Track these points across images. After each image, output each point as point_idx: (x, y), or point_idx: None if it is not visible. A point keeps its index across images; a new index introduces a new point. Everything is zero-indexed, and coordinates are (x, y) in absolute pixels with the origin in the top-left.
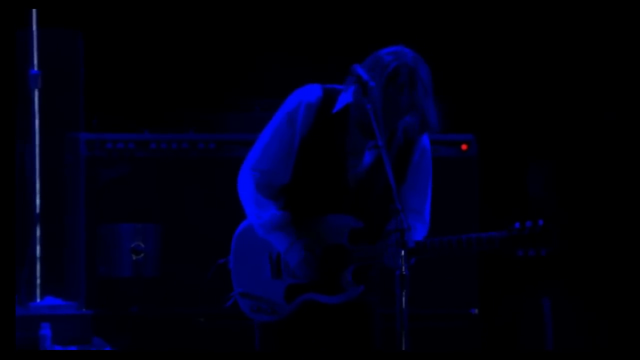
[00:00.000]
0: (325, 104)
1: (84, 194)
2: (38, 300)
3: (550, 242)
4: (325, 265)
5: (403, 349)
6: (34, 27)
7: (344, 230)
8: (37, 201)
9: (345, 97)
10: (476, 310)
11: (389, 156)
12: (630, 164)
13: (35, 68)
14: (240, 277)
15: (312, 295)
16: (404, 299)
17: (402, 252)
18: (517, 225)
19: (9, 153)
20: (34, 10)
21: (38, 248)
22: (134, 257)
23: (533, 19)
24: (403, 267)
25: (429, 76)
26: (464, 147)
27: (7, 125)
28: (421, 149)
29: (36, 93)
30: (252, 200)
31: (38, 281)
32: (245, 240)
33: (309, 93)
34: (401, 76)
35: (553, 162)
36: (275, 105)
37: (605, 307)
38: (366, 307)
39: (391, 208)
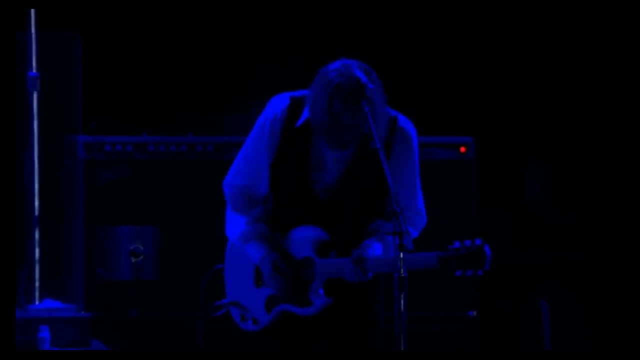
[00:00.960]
0: (291, 115)
1: (83, 197)
2: (37, 302)
3: (485, 263)
4: (294, 279)
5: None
6: (33, 30)
7: (313, 243)
8: (36, 204)
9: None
10: (475, 313)
11: (363, 163)
12: (629, 166)
13: (34, 70)
14: (230, 287)
15: (288, 306)
16: (402, 301)
17: (401, 255)
18: (456, 244)
19: (8, 155)
20: (32, 13)
21: (37, 251)
22: (133, 260)
23: (531, 21)
24: (402, 270)
25: (377, 87)
26: (462, 149)
27: (6, 127)
28: (399, 143)
29: (35, 95)
30: (228, 214)
31: (37, 284)
32: (235, 251)
33: (276, 106)
34: (343, 92)
35: (552, 164)
36: None
37: (603, 309)
38: (365, 309)
39: (388, 211)
